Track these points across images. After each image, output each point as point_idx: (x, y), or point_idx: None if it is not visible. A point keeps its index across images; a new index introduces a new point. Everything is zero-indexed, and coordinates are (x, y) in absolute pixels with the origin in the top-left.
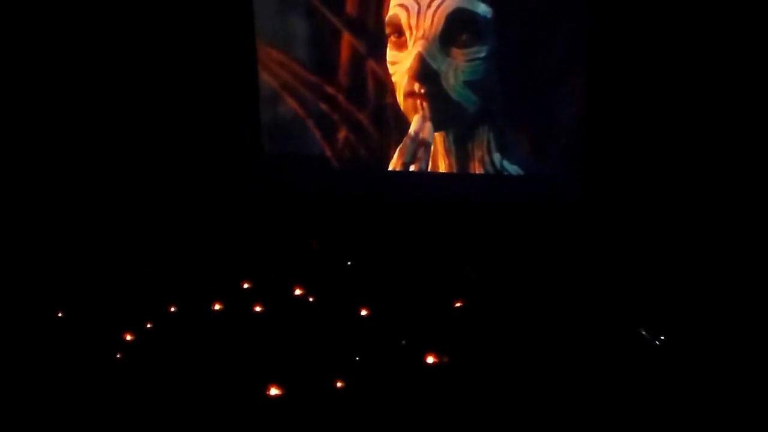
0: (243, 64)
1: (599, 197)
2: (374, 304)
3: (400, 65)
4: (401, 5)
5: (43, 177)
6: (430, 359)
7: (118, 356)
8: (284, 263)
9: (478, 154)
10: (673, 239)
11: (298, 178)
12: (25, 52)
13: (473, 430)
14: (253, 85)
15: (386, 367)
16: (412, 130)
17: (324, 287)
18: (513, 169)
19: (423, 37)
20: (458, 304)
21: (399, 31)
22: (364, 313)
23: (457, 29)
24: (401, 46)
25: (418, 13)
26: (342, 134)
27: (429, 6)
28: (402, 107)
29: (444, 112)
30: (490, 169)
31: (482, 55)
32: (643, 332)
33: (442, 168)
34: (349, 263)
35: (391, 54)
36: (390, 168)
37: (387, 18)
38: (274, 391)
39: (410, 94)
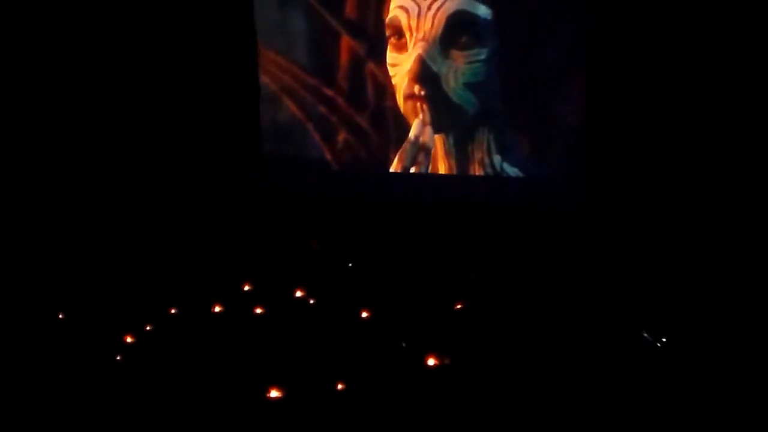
0: (243, 66)
1: (599, 199)
2: (375, 306)
3: (400, 67)
4: (401, 7)
5: (43, 178)
6: (431, 361)
7: (118, 358)
8: (285, 265)
9: (478, 156)
10: (674, 241)
11: (299, 180)
12: (26, 51)
13: (474, 431)
14: (254, 88)
15: (387, 368)
16: (412, 134)
17: (324, 289)
18: (513, 171)
19: (423, 39)
20: (459, 306)
21: (399, 33)
22: (364, 314)
23: (457, 31)
24: (401, 48)
25: (419, 14)
26: (342, 137)
27: (429, 8)
28: (402, 109)
29: (444, 114)
30: (490, 171)
31: (482, 57)
32: (645, 334)
33: (442, 170)
34: (350, 265)
35: (391, 56)
36: (390, 171)
37: (387, 20)
38: (274, 394)
39: (410, 97)
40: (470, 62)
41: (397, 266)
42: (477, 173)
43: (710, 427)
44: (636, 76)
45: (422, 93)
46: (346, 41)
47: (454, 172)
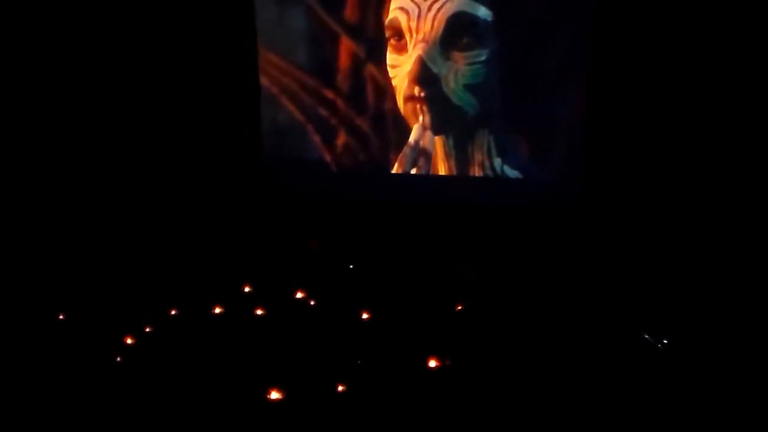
0: (244, 68)
1: (599, 200)
2: (375, 307)
3: (400, 69)
4: (401, 8)
5: (44, 179)
6: (432, 363)
7: (118, 359)
8: (285, 266)
9: (478, 158)
10: (674, 242)
11: (299, 181)
12: (26, 52)
13: None
14: (254, 89)
15: (387, 370)
16: (412, 138)
17: (325, 290)
18: (513, 173)
19: (423, 40)
20: (459, 308)
21: (399, 34)
22: (365, 316)
23: (457, 32)
24: (401, 49)
25: (419, 16)
26: (341, 138)
27: (429, 9)
28: (402, 111)
29: (444, 115)
30: (490, 173)
31: (483, 58)
32: (645, 336)
33: (442, 172)
34: (351, 266)
35: (391, 57)
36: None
37: (387, 21)
38: (274, 395)
39: (410, 98)
40: (470, 63)
41: (397, 267)
42: (477, 175)
43: (710, 427)
44: (636, 77)
45: (422, 94)
46: (345, 43)
47: (454, 173)
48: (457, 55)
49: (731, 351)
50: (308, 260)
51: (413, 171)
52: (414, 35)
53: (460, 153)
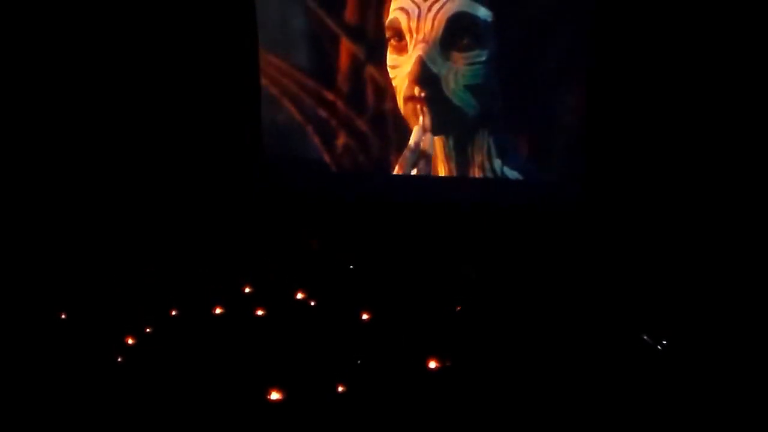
0: (244, 69)
1: (599, 201)
2: (375, 308)
3: (400, 69)
4: (401, 9)
5: (45, 179)
6: (432, 363)
7: (119, 360)
8: (285, 266)
9: (478, 159)
10: (674, 243)
11: (299, 182)
12: (27, 52)
13: None
14: (255, 90)
15: (387, 371)
16: (412, 141)
17: (325, 291)
18: (513, 174)
19: (423, 40)
20: (459, 308)
21: (399, 34)
22: (365, 316)
23: (457, 33)
24: (401, 50)
25: (419, 16)
26: (341, 139)
27: (429, 9)
28: (402, 111)
29: (444, 116)
30: (490, 175)
31: (483, 59)
32: (645, 337)
33: (442, 173)
34: (351, 267)
35: (391, 58)
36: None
37: (387, 22)
38: (274, 396)
39: (410, 99)
40: (470, 64)
41: (397, 268)
42: (477, 176)
43: (710, 428)
44: (636, 77)
45: (422, 95)
46: (345, 44)
47: (454, 174)
48: (457, 56)
49: (730, 352)
50: (308, 261)
51: (413, 172)
52: (414, 36)
53: (460, 154)
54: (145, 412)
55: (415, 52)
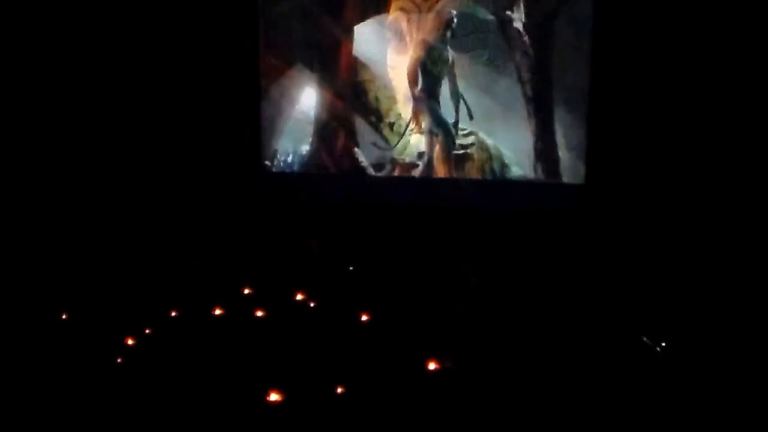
0: (245, 69)
1: (599, 202)
2: (375, 309)
3: (399, 69)
4: (402, 9)
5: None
6: (431, 365)
7: (119, 360)
8: (285, 267)
9: (478, 160)
10: (674, 245)
11: (299, 183)
12: (30, 54)
13: None
14: (255, 90)
15: (387, 372)
16: (412, 142)
17: (325, 292)
18: (513, 176)
19: (423, 41)
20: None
21: (399, 35)
22: (364, 318)
23: (457, 34)
24: (401, 50)
25: (419, 17)
26: (341, 141)
27: (430, 10)
28: (402, 112)
29: (444, 117)
30: (490, 176)
31: (483, 59)
32: (644, 338)
33: (442, 174)
34: (351, 268)
35: (390, 58)
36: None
37: (387, 22)
38: (273, 397)
39: (410, 99)
40: (470, 65)
41: (397, 269)
42: (477, 177)
43: (709, 428)
44: (636, 79)
45: (422, 95)
46: (346, 44)
47: (454, 176)
48: (457, 57)
49: (730, 354)
50: (308, 262)
51: (413, 173)
52: (414, 36)
53: (459, 155)
54: (145, 413)
55: (415, 53)
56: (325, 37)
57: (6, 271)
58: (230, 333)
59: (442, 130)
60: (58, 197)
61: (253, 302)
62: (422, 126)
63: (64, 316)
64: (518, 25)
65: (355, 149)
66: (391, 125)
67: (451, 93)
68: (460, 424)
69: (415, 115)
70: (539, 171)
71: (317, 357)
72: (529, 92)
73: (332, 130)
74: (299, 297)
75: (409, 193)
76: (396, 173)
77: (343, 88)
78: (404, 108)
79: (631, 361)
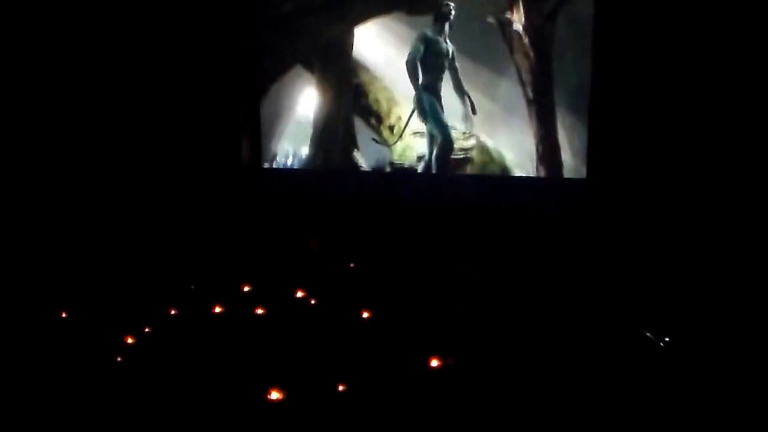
0: (245, 70)
1: (600, 201)
2: (376, 306)
3: (400, 71)
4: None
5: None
6: (433, 362)
7: (118, 359)
8: (285, 265)
9: (479, 158)
10: (676, 241)
11: (299, 181)
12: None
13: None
14: (255, 91)
15: (388, 369)
16: (413, 139)
17: (325, 289)
18: (514, 173)
19: (422, 34)
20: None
21: (400, 36)
22: (365, 315)
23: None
24: (401, 51)
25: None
26: (342, 139)
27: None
28: (402, 114)
29: (444, 115)
30: (491, 173)
31: (483, 61)
32: (648, 334)
33: (443, 172)
34: (351, 265)
35: (390, 60)
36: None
37: (387, 23)
38: (275, 395)
39: (410, 100)
40: (472, 64)
41: (398, 266)
42: (478, 174)
43: (712, 425)
44: (636, 78)
45: (422, 90)
46: (346, 46)
47: (456, 173)
48: (459, 56)
49: (733, 349)
50: (308, 259)
51: (415, 170)
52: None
53: (460, 153)
54: (144, 412)
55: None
56: (324, 39)
57: (6, 271)
58: (231, 331)
59: (442, 132)
60: (58, 197)
61: (254, 300)
62: (423, 122)
63: (63, 315)
64: (518, 27)
65: (355, 152)
66: (391, 128)
67: (454, 87)
68: (462, 422)
69: (418, 112)
70: (542, 173)
71: (318, 355)
72: (530, 94)
73: (332, 132)
74: (300, 295)
75: (411, 190)
76: (397, 170)
77: (343, 90)
78: (404, 110)
79: (635, 357)
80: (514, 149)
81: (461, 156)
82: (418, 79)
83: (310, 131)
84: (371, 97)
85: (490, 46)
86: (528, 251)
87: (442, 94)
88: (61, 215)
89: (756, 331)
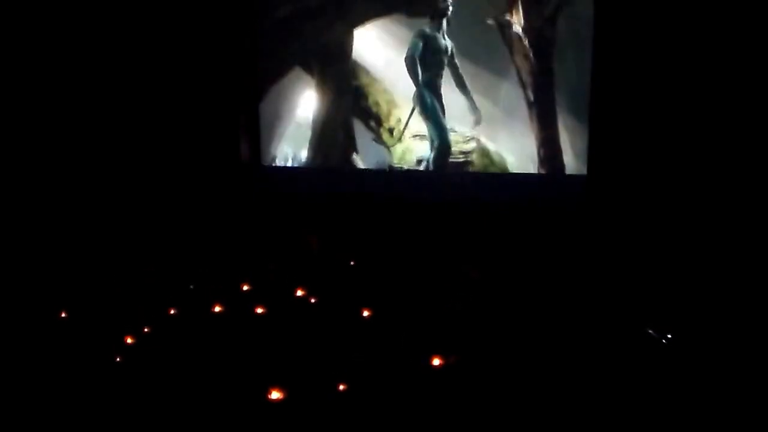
0: (245, 70)
1: (600, 199)
2: (376, 305)
3: (399, 72)
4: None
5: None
6: (435, 361)
7: (118, 359)
8: (285, 264)
9: (479, 157)
10: (678, 238)
11: (299, 179)
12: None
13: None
14: (255, 91)
15: (389, 368)
16: (413, 138)
17: (326, 288)
18: (515, 171)
19: (420, 31)
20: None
21: (399, 37)
22: (366, 314)
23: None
24: (401, 52)
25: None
26: (342, 137)
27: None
28: (402, 116)
29: (443, 119)
30: (492, 171)
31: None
32: (650, 331)
33: (444, 170)
34: (352, 264)
35: (390, 61)
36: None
37: (387, 25)
38: (275, 395)
39: (410, 100)
40: (472, 64)
41: (398, 265)
42: (479, 172)
43: (715, 422)
44: (636, 78)
45: (425, 91)
46: (345, 48)
47: (456, 171)
48: (459, 55)
49: (735, 346)
50: (309, 258)
51: (416, 168)
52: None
53: (461, 150)
54: (145, 412)
55: (414, 50)
56: (324, 41)
57: (6, 271)
58: (231, 330)
59: (440, 135)
60: (57, 197)
61: (254, 299)
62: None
63: (63, 315)
64: (518, 28)
65: (354, 154)
66: (391, 130)
67: (456, 83)
68: (463, 420)
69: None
70: (541, 167)
71: (318, 354)
72: (531, 96)
73: (331, 135)
74: (300, 294)
75: (411, 188)
76: (398, 168)
77: (343, 92)
78: (404, 113)
79: (637, 355)
80: (515, 152)
81: (461, 159)
82: (418, 76)
83: (309, 134)
84: (371, 100)
85: (490, 48)
86: (528, 249)
87: (442, 93)
88: (61, 215)
89: (757, 327)
